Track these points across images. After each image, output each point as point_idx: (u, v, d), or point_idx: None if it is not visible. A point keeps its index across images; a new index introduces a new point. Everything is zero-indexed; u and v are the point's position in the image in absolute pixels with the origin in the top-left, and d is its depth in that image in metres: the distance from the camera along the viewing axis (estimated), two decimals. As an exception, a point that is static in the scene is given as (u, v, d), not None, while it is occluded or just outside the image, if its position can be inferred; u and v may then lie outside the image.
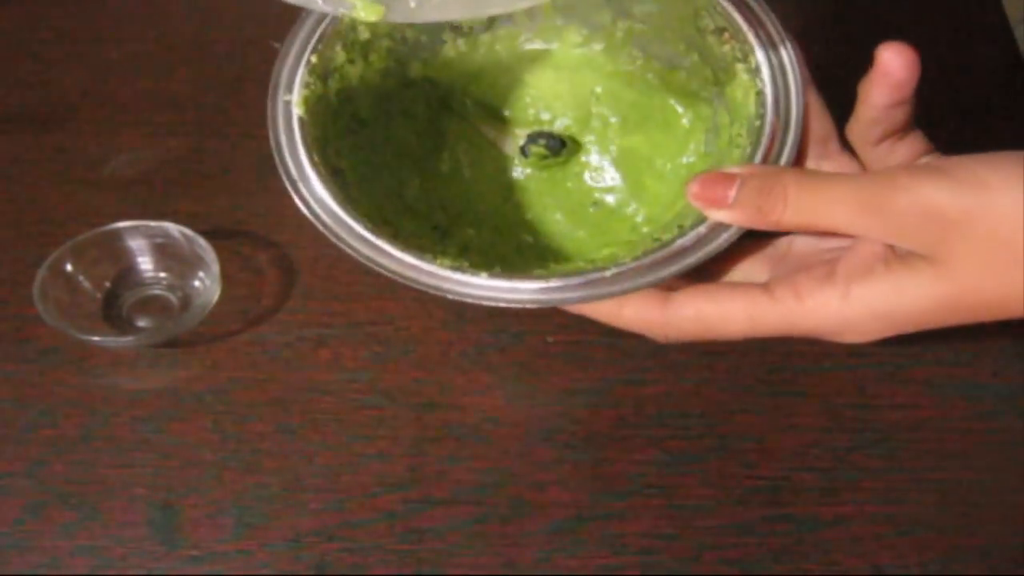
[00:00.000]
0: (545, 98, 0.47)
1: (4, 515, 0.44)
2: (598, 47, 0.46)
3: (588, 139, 0.47)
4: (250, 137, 0.56)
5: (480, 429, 0.47)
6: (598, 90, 0.47)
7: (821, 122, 0.38)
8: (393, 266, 0.36)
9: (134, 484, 0.45)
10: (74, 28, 0.63)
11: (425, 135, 0.46)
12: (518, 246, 0.45)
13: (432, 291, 0.36)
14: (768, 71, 0.40)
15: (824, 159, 0.38)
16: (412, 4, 0.34)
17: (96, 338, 0.47)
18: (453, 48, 0.45)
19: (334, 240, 0.36)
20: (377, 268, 0.36)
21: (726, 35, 0.41)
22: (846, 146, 0.39)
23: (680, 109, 0.45)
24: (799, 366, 0.48)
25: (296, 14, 0.43)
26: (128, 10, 0.64)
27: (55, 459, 0.46)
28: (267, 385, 0.48)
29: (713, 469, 0.46)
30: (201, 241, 0.49)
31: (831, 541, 0.44)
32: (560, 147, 0.46)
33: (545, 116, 0.47)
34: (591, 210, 0.46)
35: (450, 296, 0.36)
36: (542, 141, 0.46)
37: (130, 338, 0.48)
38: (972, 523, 0.45)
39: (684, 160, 0.45)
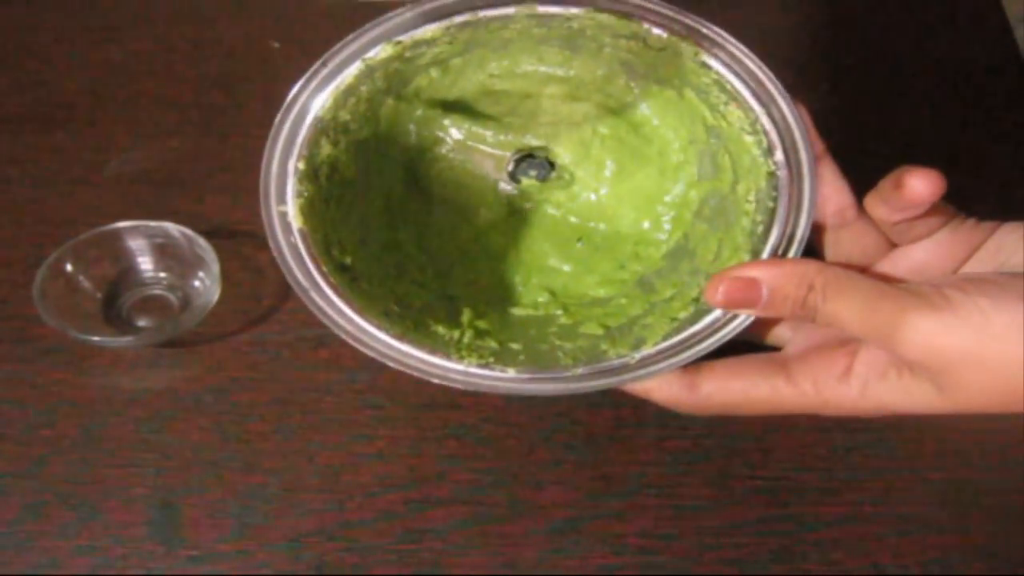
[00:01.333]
0: (539, 124, 0.46)
1: (4, 515, 0.44)
2: (584, 66, 0.44)
3: (581, 173, 0.46)
4: (250, 137, 0.56)
5: (480, 429, 0.47)
6: (603, 131, 0.46)
7: (839, 194, 0.39)
8: (422, 367, 0.37)
9: (134, 484, 0.45)
10: (74, 28, 0.63)
11: (410, 179, 0.45)
12: (514, 289, 0.45)
13: (463, 387, 0.37)
14: (782, 153, 0.39)
15: (843, 228, 0.39)
16: None
17: (96, 338, 0.47)
18: (425, 77, 0.44)
19: (362, 348, 0.38)
20: (407, 370, 0.37)
21: (733, 105, 0.40)
22: (863, 209, 0.39)
23: (676, 144, 0.44)
24: (799, 366, 0.48)
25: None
26: (128, 10, 0.64)
27: (55, 459, 0.46)
28: (267, 385, 0.48)
29: (713, 469, 0.46)
30: (201, 241, 0.49)
31: (831, 541, 0.44)
32: (549, 171, 0.46)
33: (536, 143, 0.46)
34: (578, 245, 0.46)
35: (481, 392, 0.37)
36: (532, 172, 0.46)
37: (130, 338, 0.48)
38: (972, 523, 0.45)
39: (673, 198, 0.44)
